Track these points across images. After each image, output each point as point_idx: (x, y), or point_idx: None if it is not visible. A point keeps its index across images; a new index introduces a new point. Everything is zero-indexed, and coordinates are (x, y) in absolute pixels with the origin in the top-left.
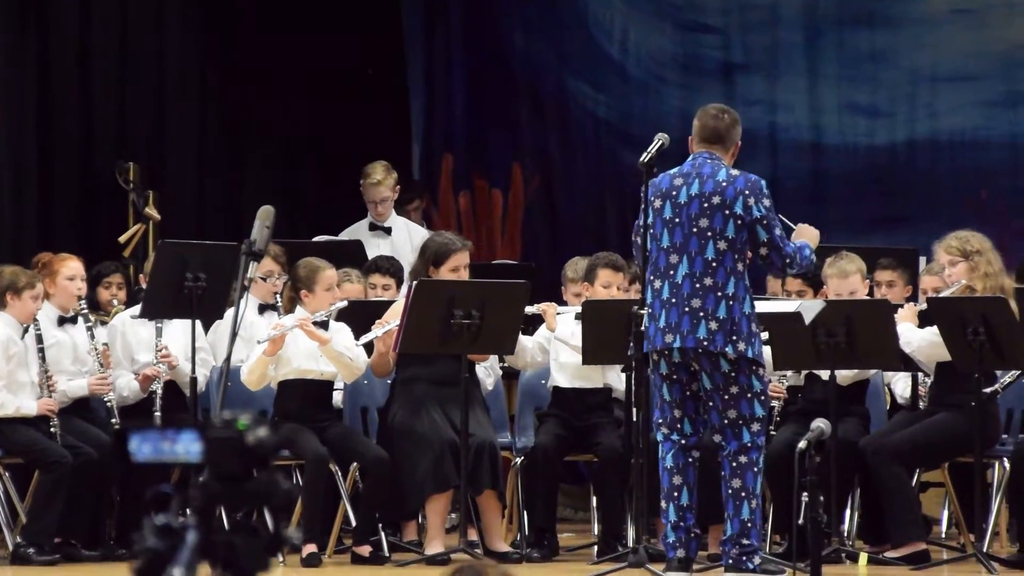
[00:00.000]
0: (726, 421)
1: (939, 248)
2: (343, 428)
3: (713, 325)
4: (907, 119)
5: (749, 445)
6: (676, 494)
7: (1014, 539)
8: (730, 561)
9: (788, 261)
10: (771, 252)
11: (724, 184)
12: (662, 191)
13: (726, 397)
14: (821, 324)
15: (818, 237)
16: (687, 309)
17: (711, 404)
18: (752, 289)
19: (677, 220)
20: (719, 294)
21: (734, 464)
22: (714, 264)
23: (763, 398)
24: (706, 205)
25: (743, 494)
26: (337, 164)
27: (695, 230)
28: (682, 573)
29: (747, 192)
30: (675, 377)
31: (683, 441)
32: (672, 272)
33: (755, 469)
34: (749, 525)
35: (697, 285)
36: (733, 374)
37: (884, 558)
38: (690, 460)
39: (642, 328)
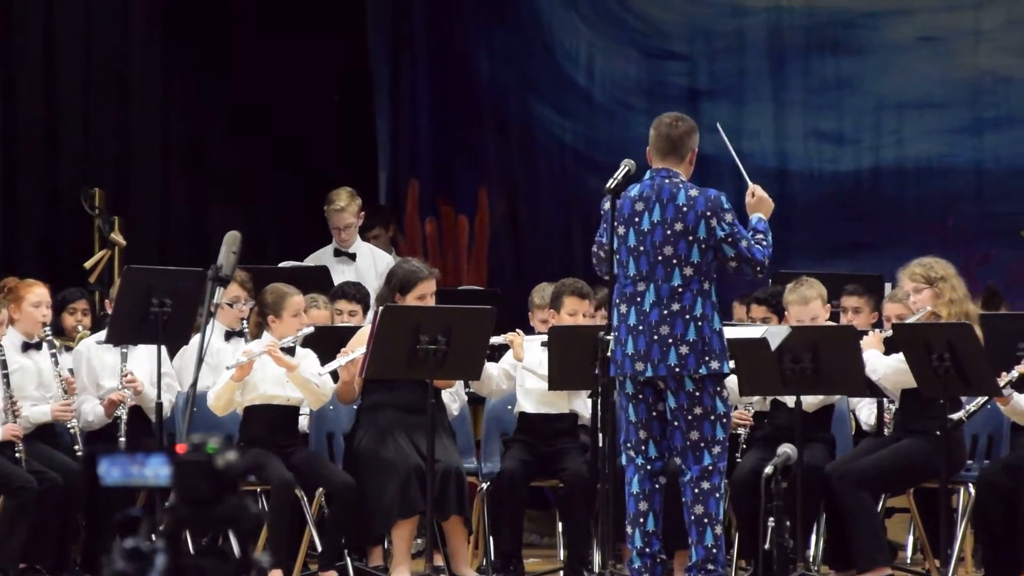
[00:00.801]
0: (688, 443)
1: (903, 275)
2: (309, 453)
3: (684, 349)
4: (872, 146)
5: (711, 469)
6: (642, 520)
7: (979, 565)
8: None
9: (759, 268)
10: (741, 264)
11: (685, 209)
12: (624, 217)
13: (689, 418)
14: (787, 350)
15: (769, 203)
16: (656, 337)
17: (675, 424)
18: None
19: (642, 248)
20: (687, 317)
21: (696, 491)
22: (680, 290)
23: (725, 421)
24: (669, 232)
25: (706, 520)
26: (303, 191)
27: (660, 258)
28: None
29: (708, 214)
30: (640, 397)
31: (648, 466)
32: (639, 299)
33: (717, 495)
34: (714, 551)
35: (665, 312)
36: (698, 394)
37: None
38: (656, 486)
39: (608, 353)
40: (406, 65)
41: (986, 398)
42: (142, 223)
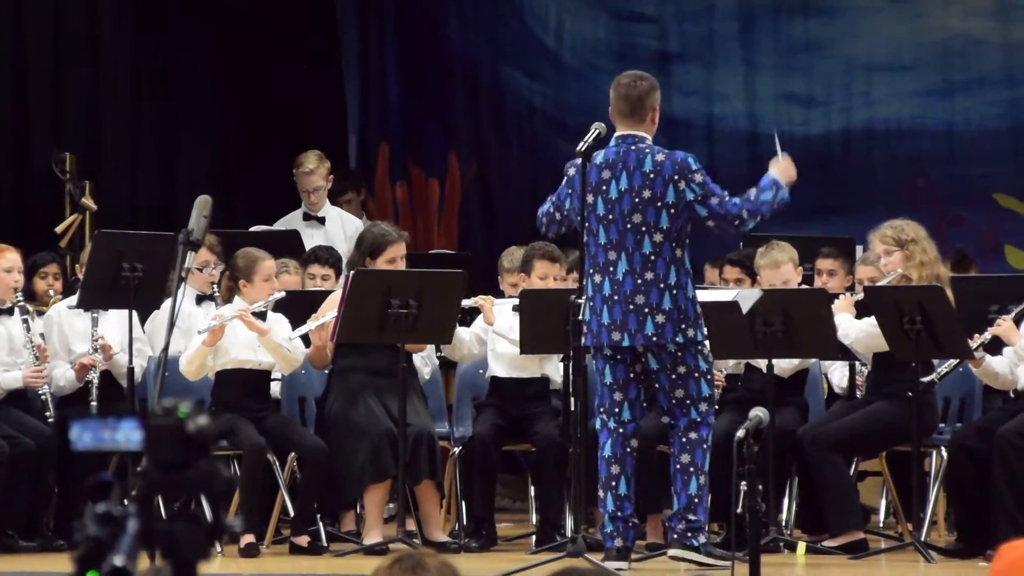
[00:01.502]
0: (674, 401)
1: (874, 237)
2: (281, 418)
3: (660, 319)
4: (843, 108)
5: (699, 421)
6: (614, 484)
7: (951, 528)
8: (675, 536)
9: (738, 222)
10: (717, 223)
11: (652, 175)
12: (592, 185)
13: (673, 377)
14: (758, 313)
15: (790, 171)
16: (631, 307)
17: (657, 386)
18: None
19: (611, 216)
20: (661, 286)
21: (684, 440)
22: (652, 257)
23: (709, 377)
24: (637, 200)
25: (691, 469)
26: (273, 155)
27: (629, 226)
28: (620, 562)
29: (676, 177)
30: (618, 358)
31: (621, 430)
32: (612, 269)
33: (704, 446)
34: (696, 500)
35: (639, 281)
36: (680, 354)
37: (822, 547)
38: (628, 450)
39: (580, 318)
40: (374, 28)
41: (958, 360)
42: (113, 188)
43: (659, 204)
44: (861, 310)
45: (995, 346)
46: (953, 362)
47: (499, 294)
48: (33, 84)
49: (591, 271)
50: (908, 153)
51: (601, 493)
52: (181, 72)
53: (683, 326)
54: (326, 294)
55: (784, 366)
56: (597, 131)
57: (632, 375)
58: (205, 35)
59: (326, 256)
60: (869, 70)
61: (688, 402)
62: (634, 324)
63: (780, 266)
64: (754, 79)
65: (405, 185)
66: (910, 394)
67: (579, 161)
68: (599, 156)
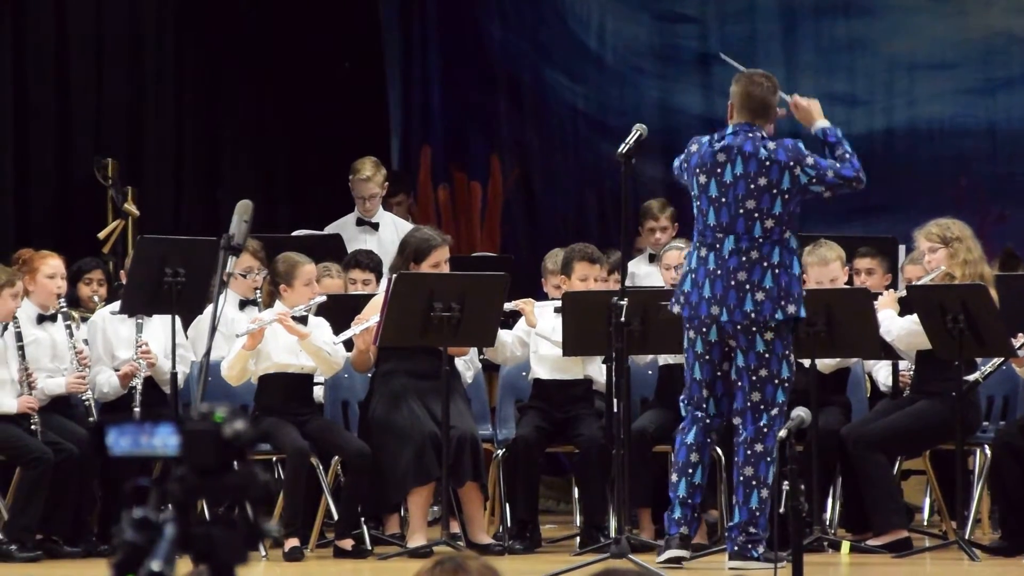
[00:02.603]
0: (748, 404)
1: (919, 235)
2: (324, 422)
3: (760, 296)
4: (885, 107)
5: (766, 431)
6: (691, 471)
7: (996, 526)
8: (735, 548)
9: (856, 184)
10: (837, 192)
11: (768, 164)
12: (707, 166)
13: (754, 379)
14: None
15: (819, 107)
16: (733, 283)
17: (739, 384)
18: None
19: (724, 200)
20: (765, 264)
21: (748, 452)
22: (760, 240)
23: (787, 386)
24: (752, 187)
25: (754, 483)
26: (315, 158)
27: (742, 211)
28: (682, 551)
29: (792, 163)
30: (707, 357)
31: (707, 420)
32: (719, 247)
33: (768, 459)
34: (757, 514)
35: (744, 259)
36: (767, 356)
37: (866, 546)
38: (709, 441)
39: (623, 319)
40: (417, 31)
41: (1002, 359)
42: (155, 193)
43: (774, 191)
44: (904, 308)
45: None
46: (997, 361)
47: (542, 296)
48: (75, 90)
49: (698, 244)
50: (951, 152)
51: (675, 477)
52: (223, 76)
53: (783, 303)
54: (368, 298)
55: (826, 363)
56: (638, 133)
57: (719, 374)
58: (247, 39)
59: (367, 260)
60: (911, 69)
61: (762, 407)
62: (734, 300)
63: (829, 263)
64: (796, 79)
65: (448, 188)
66: (953, 393)
67: (703, 139)
68: (714, 139)
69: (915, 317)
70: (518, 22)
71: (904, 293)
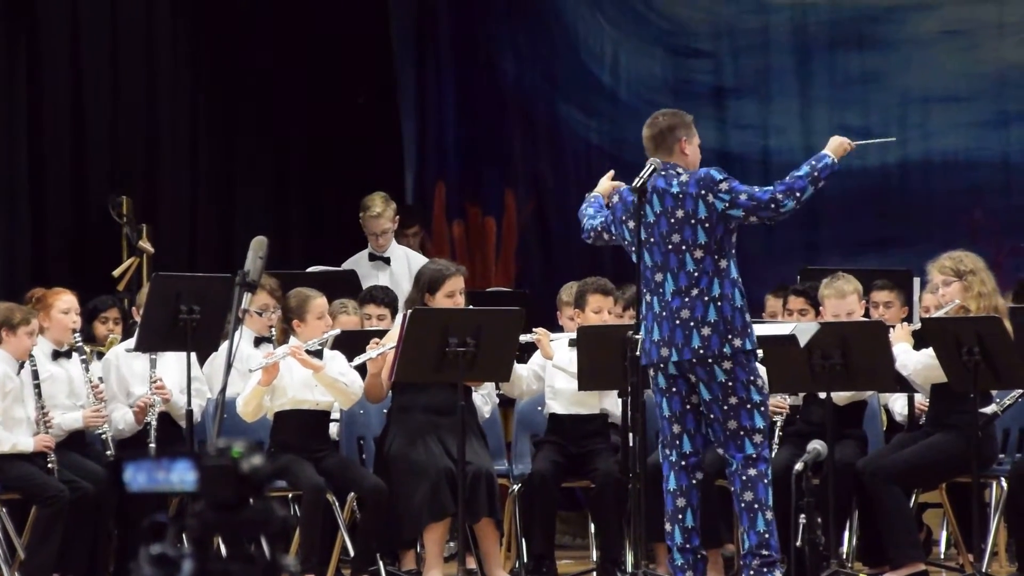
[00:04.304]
0: (727, 433)
1: (933, 268)
2: (340, 458)
3: (706, 331)
4: (899, 141)
5: (755, 456)
6: (680, 516)
7: (1013, 559)
8: (751, 573)
9: (774, 206)
10: (757, 215)
11: (680, 195)
12: (630, 211)
13: (725, 408)
14: (816, 346)
15: (841, 144)
16: (678, 321)
17: (712, 416)
18: (750, 309)
19: (652, 239)
20: (705, 299)
21: (743, 478)
22: (696, 274)
23: (762, 409)
24: (672, 221)
25: (756, 506)
26: (330, 193)
27: (670, 247)
28: None
29: (703, 192)
30: (674, 390)
31: (683, 462)
32: (661, 289)
33: (764, 481)
34: (767, 536)
35: (686, 298)
36: (731, 384)
37: None
38: (693, 481)
39: (636, 353)
40: (431, 66)
41: (1020, 392)
42: (170, 230)
43: (693, 221)
44: (919, 340)
45: None
46: (1016, 394)
47: (558, 329)
48: (90, 128)
49: (645, 292)
50: (965, 185)
51: (668, 526)
52: (237, 114)
53: (729, 336)
54: (383, 334)
55: (842, 395)
56: (653, 167)
57: (688, 406)
58: (261, 74)
59: (382, 296)
60: (924, 102)
61: (742, 433)
62: (681, 338)
63: (846, 296)
64: (810, 112)
65: (462, 223)
66: (976, 428)
67: (622, 187)
68: (632, 184)
69: (931, 351)
70: (532, 56)
71: (919, 326)
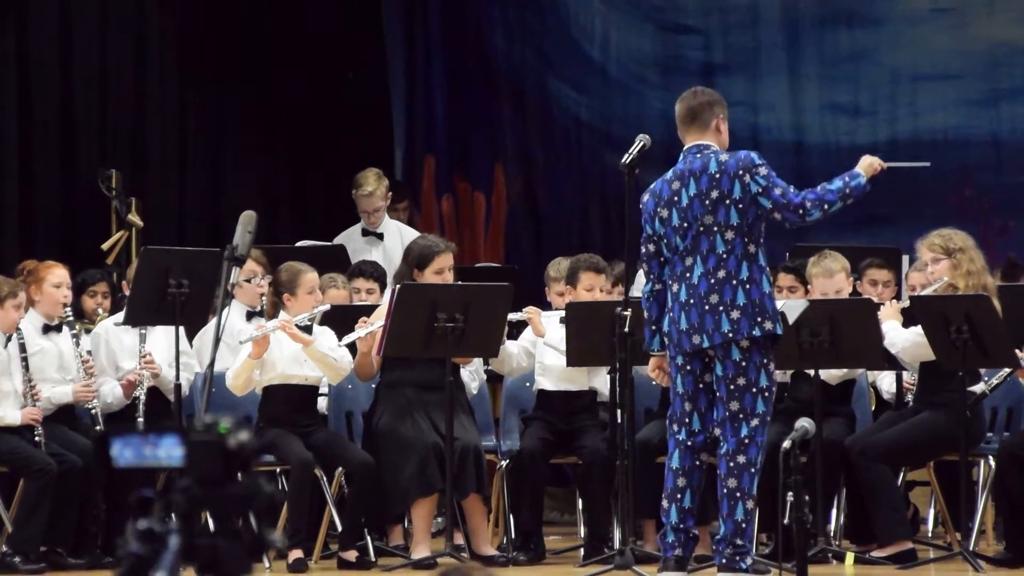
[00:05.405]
0: (728, 414)
1: (922, 245)
2: (328, 433)
3: (735, 314)
4: (888, 118)
5: (747, 442)
6: (679, 496)
7: (1000, 537)
8: (723, 561)
9: (802, 211)
10: (782, 213)
11: (717, 175)
12: (665, 200)
13: (732, 387)
14: (804, 324)
15: (874, 163)
16: (707, 307)
17: (718, 394)
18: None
19: (685, 224)
20: (734, 282)
21: (731, 464)
22: (725, 256)
23: (767, 395)
24: (707, 202)
25: (738, 494)
26: (319, 169)
27: (702, 228)
28: (678, 572)
29: (741, 172)
30: (688, 368)
31: (689, 441)
32: (688, 275)
33: (752, 470)
34: (744, 526)
35: (712, 281)
36: (744, 364)
37: (870, 557)
38: (697, 463)
39: (626, 329)
40: (420, 41)
41: (1008, 371)
42: (159, 204)
43: (727, 202)
44: (907, 318)
45: None
46: (1005, 372)
47: (546, 306)
48: (79, 102)
49: (670, 282)
50: (954, 162)
51: (665, 503)
52: (226, 88)
53: (759, 319)
54: (372, 308)
55: (832, 373)
56: (642, 143)
57: (701, 385)
58: (250, 49)
59: (371, 270)
60: (914, 80)
61: (741, 416)
62: (711, 324)
63: (833, 275)
64: (799, 89)
65: (451, 198)
66: (963, 406)
67: (654, 185)
68: (669, 173)
69: (919, 328)
70: (522, 33)
71: (907, 303)
